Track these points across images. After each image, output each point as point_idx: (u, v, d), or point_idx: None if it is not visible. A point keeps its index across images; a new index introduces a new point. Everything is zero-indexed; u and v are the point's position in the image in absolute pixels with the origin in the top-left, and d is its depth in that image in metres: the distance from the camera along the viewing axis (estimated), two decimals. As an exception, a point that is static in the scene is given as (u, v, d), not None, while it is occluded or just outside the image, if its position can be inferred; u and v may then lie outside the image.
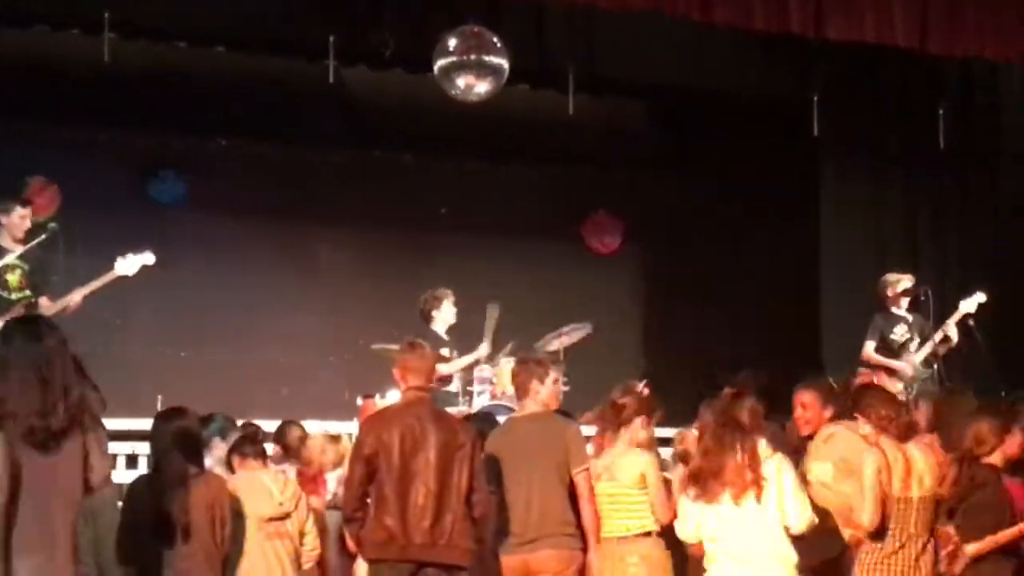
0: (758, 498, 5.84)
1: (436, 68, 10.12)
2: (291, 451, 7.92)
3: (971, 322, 10.56)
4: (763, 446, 5.93)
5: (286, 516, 6.70)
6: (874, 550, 6.16)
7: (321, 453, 7.85)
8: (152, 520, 5.84)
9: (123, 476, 9.11)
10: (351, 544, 6.86)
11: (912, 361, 10.50)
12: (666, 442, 8.53)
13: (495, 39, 10.08)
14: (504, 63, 10.11)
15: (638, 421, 6.90)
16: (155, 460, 6.14)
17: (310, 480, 7.68)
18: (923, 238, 12.40)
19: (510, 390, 10.09)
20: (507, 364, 10.31)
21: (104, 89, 11.16)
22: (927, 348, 10.53)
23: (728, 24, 10.09)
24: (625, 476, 6.77)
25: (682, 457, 7.40)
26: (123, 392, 10.65)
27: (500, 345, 10.50)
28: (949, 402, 7.47)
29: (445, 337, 10.37)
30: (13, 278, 9.06)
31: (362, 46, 10.86)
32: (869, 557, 6.18)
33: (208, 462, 6.67)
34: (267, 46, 11.34)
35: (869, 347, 10.66)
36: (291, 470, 7.67)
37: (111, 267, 9.15)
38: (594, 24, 11.12)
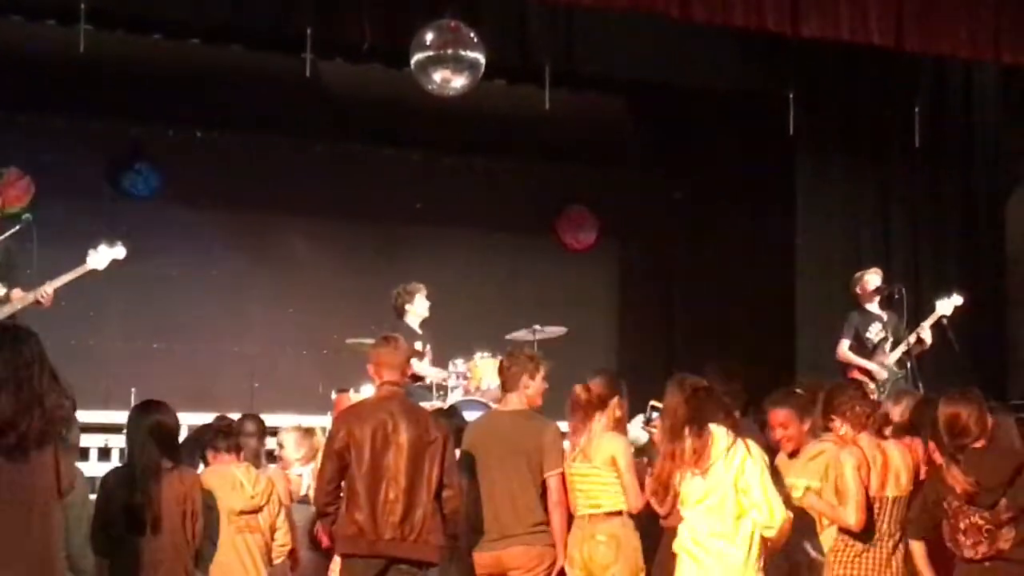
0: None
1: (413, 62, 10.11)
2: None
3: (946, 323, 10.59)
4: (722, 433, 5.79)
5: (257, 510, 6.70)
6: (844, 548, 6.09)
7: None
8: (123, 512, 5.84)
9: (96, 469, 9.10)
10: (324, 538, 6.87)
11: (885, 362, 10.49)
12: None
13: (472, 34, 10.07)
14: (481, 58, 10.11)
15: (613, 402, 6.87)
16: (129, 452, 6.12)
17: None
18: (898, 235, 12.43)
19: (484, 385, 10.14)
20: (481, 360, 10.32)
21: (79, 80, 11.12)
22: (901, 349, 10.53)
23: (705, 21, 10.12)
24: (598, 457, 6.73)
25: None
26: (97, 385, 10.72)
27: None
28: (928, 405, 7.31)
29: (419, 331, 10.37)
30: (-16, 269, 9.00)
31: (340, 39, 10.85)
32: (839, 556, 6.11)
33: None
34: (244, 39, 11.34)
35: (844, 345, 10.64)
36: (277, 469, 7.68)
37: (84, 260, 9.10)
38: (572, 20, 11.13)
